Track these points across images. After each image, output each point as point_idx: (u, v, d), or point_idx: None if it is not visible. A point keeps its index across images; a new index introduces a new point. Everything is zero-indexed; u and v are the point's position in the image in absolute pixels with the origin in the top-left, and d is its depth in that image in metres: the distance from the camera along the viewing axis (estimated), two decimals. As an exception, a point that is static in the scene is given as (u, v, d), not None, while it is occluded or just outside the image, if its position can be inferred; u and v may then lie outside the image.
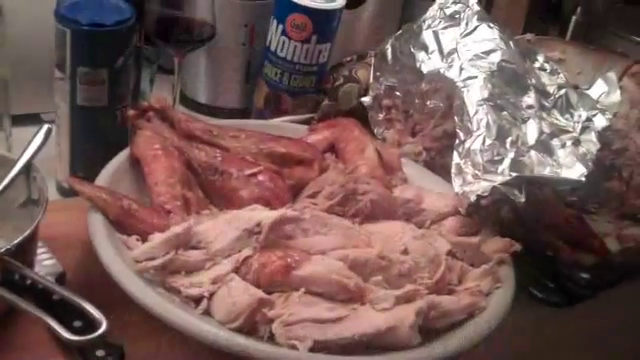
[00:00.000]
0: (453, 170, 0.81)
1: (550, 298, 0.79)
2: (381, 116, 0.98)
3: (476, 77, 0.85)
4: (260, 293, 0.64)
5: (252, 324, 0.64)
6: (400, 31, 0.97)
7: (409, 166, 0.89)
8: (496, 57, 0.87)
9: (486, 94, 0.84)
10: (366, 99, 0.98)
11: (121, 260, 0.66)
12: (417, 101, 0.94)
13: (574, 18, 1.26)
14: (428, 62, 0.91)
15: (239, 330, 0.63)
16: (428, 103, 0.93)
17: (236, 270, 0.67)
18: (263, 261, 0.66)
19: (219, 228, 0.69)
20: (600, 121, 0.86)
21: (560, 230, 0.87)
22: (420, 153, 0.93)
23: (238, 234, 0.68)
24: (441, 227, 0.79)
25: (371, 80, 0.98)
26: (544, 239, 0.86)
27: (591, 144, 0.84)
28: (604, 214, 0.96)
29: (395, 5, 1.16)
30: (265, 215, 0.69)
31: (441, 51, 0.91)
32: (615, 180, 0.95)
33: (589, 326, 0.88)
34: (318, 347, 0.62)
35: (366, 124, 0.95)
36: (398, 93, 0.96)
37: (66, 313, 0.63)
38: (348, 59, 1.05)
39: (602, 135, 0.86)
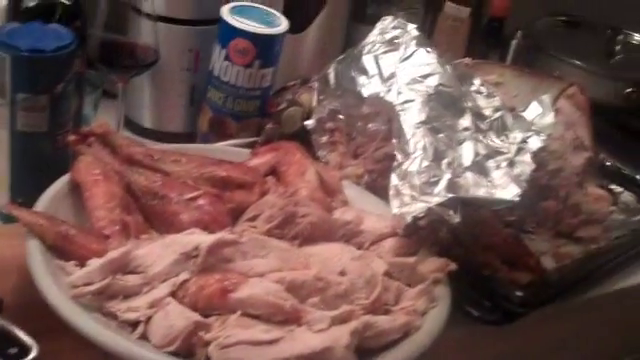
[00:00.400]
0: (391, 192, 0.82)
1: (486, 316, 0.81)
2: (324, 139, 0.99)
3: (413, 100, 0.87)
4: (196, 316, 0.65)
5: (189, 347, 0.64)
6: (342, 56, 0.98)
7: (350, 188, 0.91)
8: (433, 81, 0.89)
9: (423, 117, 0.86)
10: (309, 122, 0.99)
11: (57, 286, 0.66)
12: (359, 124, 0.96)
13: (514, 42, 1.29)
14: (368, 86, 0.93)
15: (176, 354, 0.64)
16: (370, 126, 0.95)
17: (173, 294, 0.67)
18: (200, 284, 0.67)
19: (157, 252, 0.70)
20: (535, 142, 0.88)
21: (498, 250, 0.89)
22: (362, 175, 0.95)
23: (175, 258, 0.68)
24: (380, 248, 0.80)
25: (314, 104, 0.99)
26: (482, 259, 0.88)
27: (525, 165, 0.86)
28: (541, 233, 0.98)
29: (338, 30, 1.18)
30: (203, 239, 0.70)
31: (381, 75, 0.92)
32: (552, 200, 0.98)
33: (524, 344, 0.90)
34: (254, 369, 0.63)
35: (310, 147, 0.97)
36: (341, 116, 0.97)
37: (3, 340, 0.63)
38: (292, 83, 1.06)
39: (537, 156, 0.88)
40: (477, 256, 0.87)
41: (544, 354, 0.96)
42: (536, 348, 0.94)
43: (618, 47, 1.41)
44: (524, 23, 1.38)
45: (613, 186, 1.10)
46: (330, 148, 0.99)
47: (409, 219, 0.79)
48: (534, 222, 0.98)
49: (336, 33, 1.17)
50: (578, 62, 1.32)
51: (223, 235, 0.70)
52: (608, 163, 1.16)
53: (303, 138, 0.98)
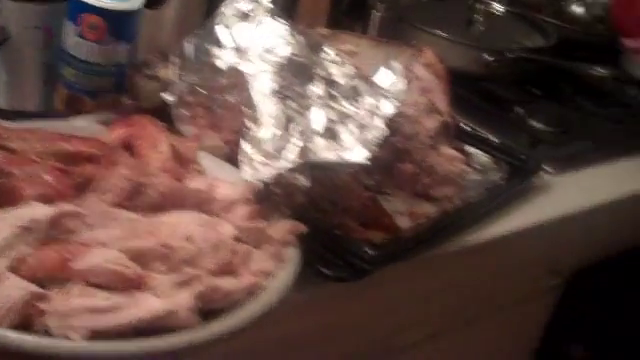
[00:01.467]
0: (242, 159, 0.84)
1: (336, 274, 0.83)
2: (185, 113, 0.99)
3: (265, 70, 0.89)
4: (33, 287, 0.64)
5: (27, 319, 0.64)
6: (199, 29, 0.98)
7: (208, 159, 0.91)
8: (285, 51, 0.90)
9: (274, 86, 0.87)
10: (169, 97, 0.99)
11: None
12: (218, 96, 0.96)
13: (375, 13, 1.32)
14: (224, 58, 0.93)
15: (15, 327, 0.63)
16: (227, 98, 0.95)
17: (13, 268, 0.66)
18: (40, 256, 0.67)
19: (-5, 227, 0.69)
20: (386, 107, 0.90)
21: (356, 212, 0.92)
22: (220, 147, 0.95)
23: (14, 231, 0.67)
24: (232, 214, 0.81)
25: (174, 78, 0.99)
26: (338, 221, 0.90)
27: (377, 129, 0.88)
28: (399, 195, 1.01)
29: (198, 4, 1.17)
30: (42, 211, 0.69)
31: (235, 47, 0.93)
32: (408, 163, 1.01)
33: (378, 302, 0.93)
34: (95, 336, 0.63)
35: (171, 122, 0.97)
36: (200, 90, 0.97)
37: None
38: (151, 58, 1.06)
39: (392, 121, 0.90)
40: (334, 219, 0.89)
41: (397, 311, 0.99)
42: (389, 305, 0.97)
43: (479, 17, 1.46)
44: (387, -5, 1.40)
45: (472, 149, 1.14)
46: (191, 122, 0.99)
47: (259, 185, 0.80)
48: (392, 185, 1.01)
49: (196, 7, 1.17)
50: (440, 32, 1.36)
51: (63, 207, 0.69)
52: (468, 128, 1.21)
53: (164, 113, 0.98)
